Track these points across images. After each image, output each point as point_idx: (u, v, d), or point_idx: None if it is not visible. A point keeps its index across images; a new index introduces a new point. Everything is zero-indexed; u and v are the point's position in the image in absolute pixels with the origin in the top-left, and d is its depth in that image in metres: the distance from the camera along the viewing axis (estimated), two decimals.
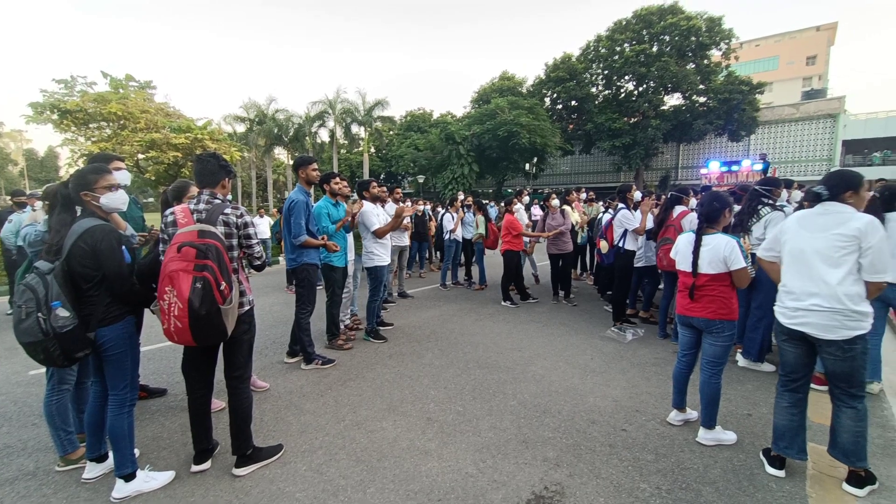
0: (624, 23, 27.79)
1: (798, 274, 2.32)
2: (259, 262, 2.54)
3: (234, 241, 2.35)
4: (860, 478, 2.26)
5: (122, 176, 2.74)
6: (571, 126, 30.97)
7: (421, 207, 8.57)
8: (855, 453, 2.24)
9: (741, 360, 3.99)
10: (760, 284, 3.73)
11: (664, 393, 3.38)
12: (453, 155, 26.70)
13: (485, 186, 36.29)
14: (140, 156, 20.81)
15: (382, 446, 2.73)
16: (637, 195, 5.79)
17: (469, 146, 26.62)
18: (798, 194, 6.37)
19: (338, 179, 4.47)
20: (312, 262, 3.93)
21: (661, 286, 5.14)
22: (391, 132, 37.20)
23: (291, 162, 18.01)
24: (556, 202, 6.50)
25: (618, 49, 27.64)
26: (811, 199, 2.39)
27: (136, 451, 2.47)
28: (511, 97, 27.43)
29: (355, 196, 5.10)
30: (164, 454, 2.67)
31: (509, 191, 29.53)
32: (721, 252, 2.67)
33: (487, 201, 22.07)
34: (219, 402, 3.14)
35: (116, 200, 2.26)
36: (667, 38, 26.29)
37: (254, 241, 2.43)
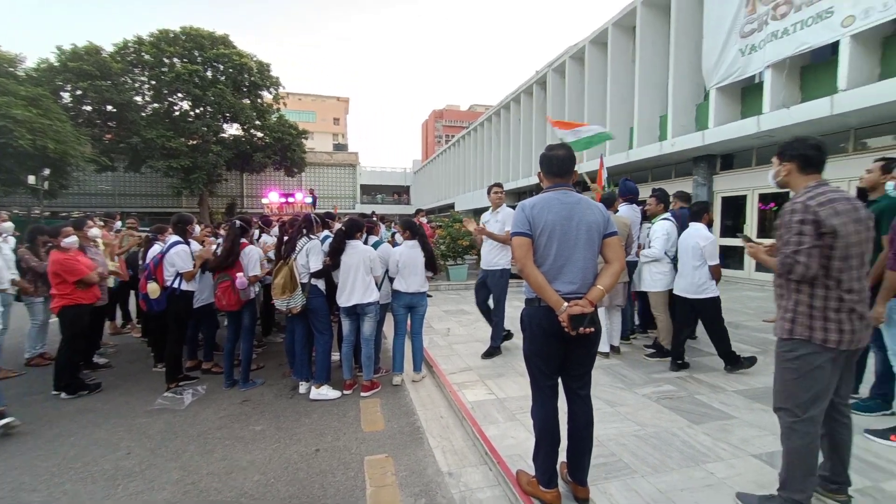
0: (171, 35, 25.31)
1: None
2: None
3: None
4: None
5: None
6: (110, 136, 24.84)
7: None
8: None
9: (312, 393, 3.92)
10: (319, 313, 3.92)
11: (230, 467, 2.80)
12: None
13: None
14: None
15: None
16: (196, 229, 4.90)
17: None
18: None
19: None
20: None
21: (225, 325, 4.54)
22: None
23: None
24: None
25: (167, 61, 24.81)
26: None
27: None
28: None
29: None
30: None
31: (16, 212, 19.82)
32: None
33: None
34: None
35: None
36: (221, 66, 26.19)
37: None
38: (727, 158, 10.88)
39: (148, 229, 5.28)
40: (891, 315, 2.68)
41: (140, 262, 5.26)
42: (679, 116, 11.15)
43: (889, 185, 2.83)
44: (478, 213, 21.57)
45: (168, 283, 4.16)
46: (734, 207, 10.58)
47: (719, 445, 2.71)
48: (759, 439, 2.75)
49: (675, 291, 4.14)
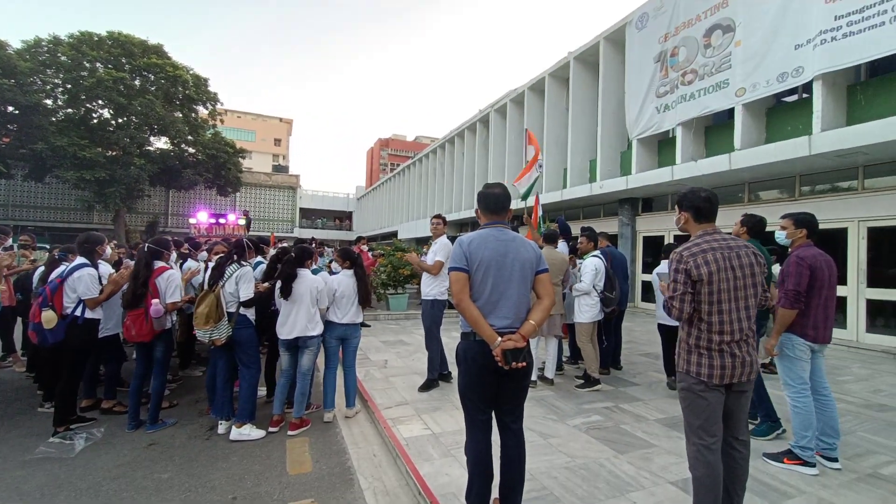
0: (96, 39, 23.51)
1: None
2: None
3: None
4: None
5: None
6: (8, 139, 22.05)
7: None
8: None
9: (233, 433, 3.58)
10: (246, 345, 3.64)
11: None
12: None
13: None
14: None
15: None
16: (108, 250, 4.36)
17: None
18: None
19: None
20: None
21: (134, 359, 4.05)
22: None
23: None
24: None
25: (87, 65, 22.87)
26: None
27: None
28: None
29: None
30: None
31: None
32: None
33: None
34: None
35: None
36: (152, 76, 24.63)
37: None
38: (647, 202, 12.00)
39: (48, 246, 4.65)
40: (783, 348, 3.03)
41: (36, 286, 4.61)
42: (607, 161, 12.20)
43: (779, 234, 3.26)
44: (420, 241, 21.71)
45: (68, 311, 3.66)
46: (653, 246, 11.60)
47: (641, 474, 2.84)
48: (676, 466, 2.93)
49: (657, 319, 4.78)
